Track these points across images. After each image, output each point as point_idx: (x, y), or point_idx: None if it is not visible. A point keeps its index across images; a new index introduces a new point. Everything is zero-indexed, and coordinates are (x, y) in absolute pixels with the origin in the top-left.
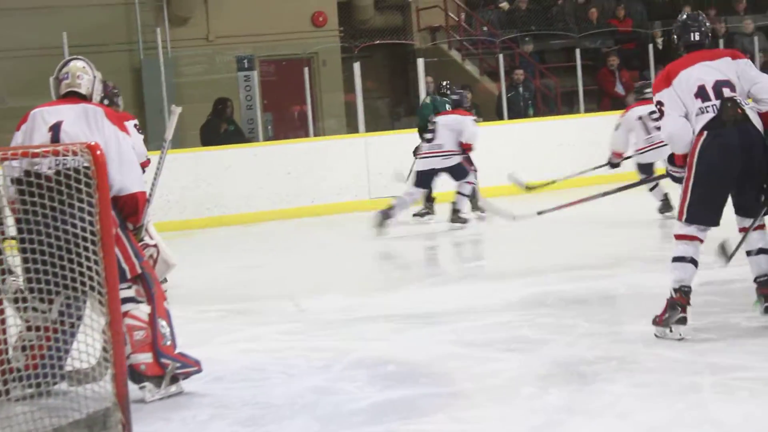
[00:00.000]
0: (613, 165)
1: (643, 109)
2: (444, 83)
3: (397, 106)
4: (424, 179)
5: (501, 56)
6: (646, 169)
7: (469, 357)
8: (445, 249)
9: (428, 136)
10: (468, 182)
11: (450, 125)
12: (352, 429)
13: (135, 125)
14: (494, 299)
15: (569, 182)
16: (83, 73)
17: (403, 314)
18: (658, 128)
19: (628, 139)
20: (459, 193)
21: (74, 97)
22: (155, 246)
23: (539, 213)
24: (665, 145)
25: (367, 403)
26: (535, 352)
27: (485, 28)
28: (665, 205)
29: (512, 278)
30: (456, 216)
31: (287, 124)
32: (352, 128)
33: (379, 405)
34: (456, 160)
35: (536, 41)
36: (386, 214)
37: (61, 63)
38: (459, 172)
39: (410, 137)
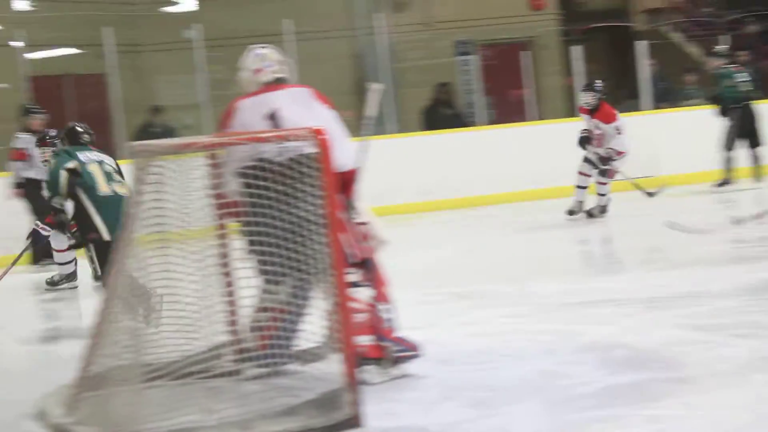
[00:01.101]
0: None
1: None
2: None
3: (616, 90)
4: None
5: (726, 37)
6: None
7: (698, 342)
8: (668, 233)
9: None
10: None
11: None
12: (581, 413)
13: None
14: (719, 284)
15: None
16: (281, 59)
17: (626, 298)
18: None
19: None
20: None
21: (277, 83)
22: (367, 223)
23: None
24: None
25: (596, 387)
26: (766, 338)
27: (707, 9)
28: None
29: (737, 263)
30: None
31: (507, 107)
32: (572, 112)
33: (609, 389)
34: None
35: (762, 21)
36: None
37: (250, 54)
38: None
39: (631, 120)
